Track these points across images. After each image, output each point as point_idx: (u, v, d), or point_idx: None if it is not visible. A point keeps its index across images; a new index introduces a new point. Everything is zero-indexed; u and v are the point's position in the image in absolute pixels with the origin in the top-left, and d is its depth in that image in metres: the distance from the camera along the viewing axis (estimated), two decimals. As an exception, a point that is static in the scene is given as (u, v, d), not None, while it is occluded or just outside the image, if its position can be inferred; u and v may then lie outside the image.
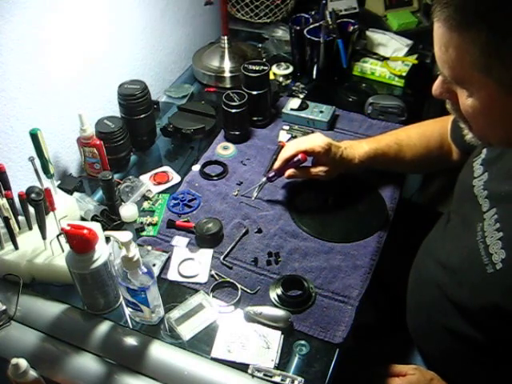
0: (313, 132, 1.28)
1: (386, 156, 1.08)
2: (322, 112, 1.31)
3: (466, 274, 0.81)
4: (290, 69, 1.46)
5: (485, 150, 0.87)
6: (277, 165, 1.09)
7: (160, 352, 0.84)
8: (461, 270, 0.83)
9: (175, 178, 1.19)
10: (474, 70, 0.62)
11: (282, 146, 1.23)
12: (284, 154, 1.08)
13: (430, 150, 1.09)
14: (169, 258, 1.00)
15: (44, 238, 0.94)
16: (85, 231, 0.80)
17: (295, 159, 1.07)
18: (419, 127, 1.13)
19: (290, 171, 1.07)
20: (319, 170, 1.06)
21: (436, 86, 0.71)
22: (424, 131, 1.11)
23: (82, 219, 1.07)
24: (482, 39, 0.59)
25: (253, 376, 0.81)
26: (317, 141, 1.05)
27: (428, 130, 1.10)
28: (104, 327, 0.88)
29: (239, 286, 0.94)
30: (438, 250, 0.92)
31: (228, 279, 0.96)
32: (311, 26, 1.43)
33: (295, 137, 1.28)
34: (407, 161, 1.09)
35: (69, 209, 1.03)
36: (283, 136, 1.29)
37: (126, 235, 0.78)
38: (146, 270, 0.82)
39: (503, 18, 0.57)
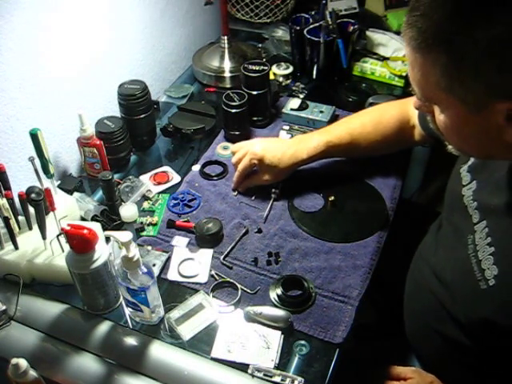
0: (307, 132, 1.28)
1: (338, 147, 1.08)
2: (322, 112, 1.31)
3: (459, 289, 0.81)
4: (290, 69, 1.46)
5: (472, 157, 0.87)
6: (235, 187, 1.14)
7: (160, 352, 0.84)
8: (454, 284, 0.82)
9: (175, 178, 1.19)
10: (439, 89, 0.63)
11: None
12: (237, 179, 1.13)
13: (386, 137, 1.08)
14: (169, 258, 1.00)
15: (44, 238, 0.94)
16: (85, 231, 0.80)
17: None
18: (375, 113, 1.12)
19: (244, 184, 1.13)
20: (262, 180, 1.11)
21: (415, 101, 0.72)
22: (380, 118, 1.09)
23: (82, 219, 1.07)
24: (441, 61, 0.60)
25: (253, 376, 0.81)
26: (252, 153, 1.09)
27: (385, 116, 1.09)
28: (104, 327, 0.88)
29: (239, 285, 0.94)
30: (432, 258, 0.92)
31: (228, 279, 0.96)
32: (311, 26, 1.43)
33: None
34: (361, 148, 1.09)
35: (69, 209, 1.03)
36: (283, 136, 1.29)
37: (126, 235, 0.78)
38: (145, 269, 0.82)
39: (461, 41, 0.58)
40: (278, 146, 1.09)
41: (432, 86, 0.64)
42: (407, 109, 1.07)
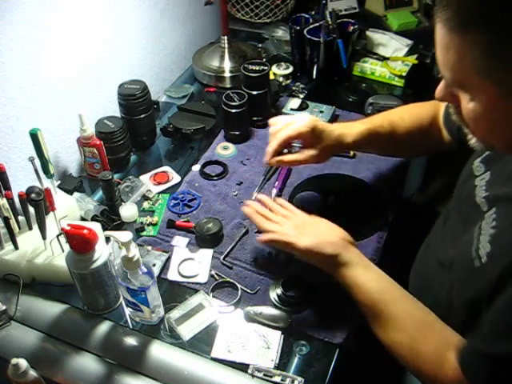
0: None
1: (380, 136, 1.05)
2: (321, 112, 1.31)
3: (457, 269, 0.81)
4: (290, 69, 1.46)
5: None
6: (268, 159, 1.01)
7: (160, 352, 0.84)
8: (454, 264, 0.82)
9: (175, 178, 1.19)
10: (474, 72, 0.62)
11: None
12: (273, 146, 0.99)
13: (422, 132, 1.07)
14: (169, 258, 1.00)
15: (44, 238, 0.94)
16: (85, 231, 0.80)
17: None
18: (412, 108, 1.11)
19: (274, 159, 1.00)
20: (306, 155, 1.00)
21: (439, 90, 0.71)
22: (417, 113, 1.09)
23: (82, 219, 1.07)
24: (482, 41, 0.59)
25: (253, 376, 0.81)
26: (301, 122, 0.98)
27: (421, 112, 1.09)
28: (104, 327, 0.88)
29: (239, 286, 0.94)
30: (437, 250, 0.92)
31: (228, 279, 0.96)
32: (311, 26, 1.43)
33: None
34: (400, 142, 1.08)
35: (69, 209, 1.03)
36: (283, 136, 1.29)
37: (125, 235, 0.78)
38: (145, 269, 0.82)
39: (504, 20, 0.56)
40: (326, 124, 1.02)
41: (467, 70, 0.62)
42: (439, 109, 1.07)
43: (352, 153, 1.21)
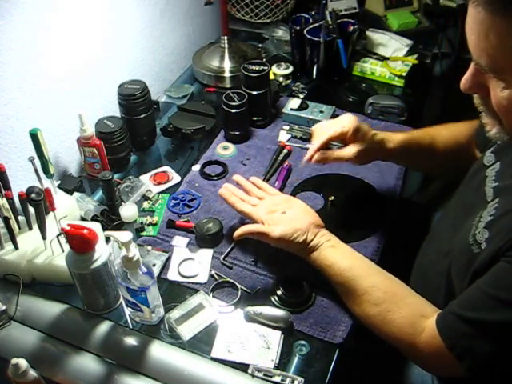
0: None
1: (420, 147, 1.03)
2: (321, 112, 1.31)
3: (455, 256, 0.81)
4: (290, 69, 1.47)
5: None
6: (309, 156, 0.98)
7: (160, 352, 0.84)
8: (452, 251, 0.82)
9: (175, 178, 1.19)
10: None
11: (283, 147, 1.24)
12: (315, 145, 0.97)
13: (458, 148, 1.06)
14: (169, 258, 1.00)
15: (44, 238, 0.94)
16: (85, 231, 0.80)
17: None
18: (450, 125, 1.10)
19: (317, 157, 0.97)
20: (348, 151, 0.97)
21: (465, 80, 0.69)
22: (453, 130, 1.08)
23: (82, 219, 1.07)
24: None
25: (253, 376, 0.81)
26: (344, 121, 0.97)
27: (458, 130, 1.08)
28: (104, 327, 0.88)
29: (239, 286, 0.94)
30: (439, 240, 0.91)
31: (228, 279, 0.96)
32: (311, 26, 1.43)
33: (295, 137, 1.28)
34: (439, 155, 1.06)
35: (69, 209, 1.03)
36: (283, 136, 1.29)
37: (125, 235, 0.78)
38: (145, 270, 0.82)
39: None
40: (369, 127, 0.99)
41: (508, 54, 0.61)
42: (475, 127, 1.04)
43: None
